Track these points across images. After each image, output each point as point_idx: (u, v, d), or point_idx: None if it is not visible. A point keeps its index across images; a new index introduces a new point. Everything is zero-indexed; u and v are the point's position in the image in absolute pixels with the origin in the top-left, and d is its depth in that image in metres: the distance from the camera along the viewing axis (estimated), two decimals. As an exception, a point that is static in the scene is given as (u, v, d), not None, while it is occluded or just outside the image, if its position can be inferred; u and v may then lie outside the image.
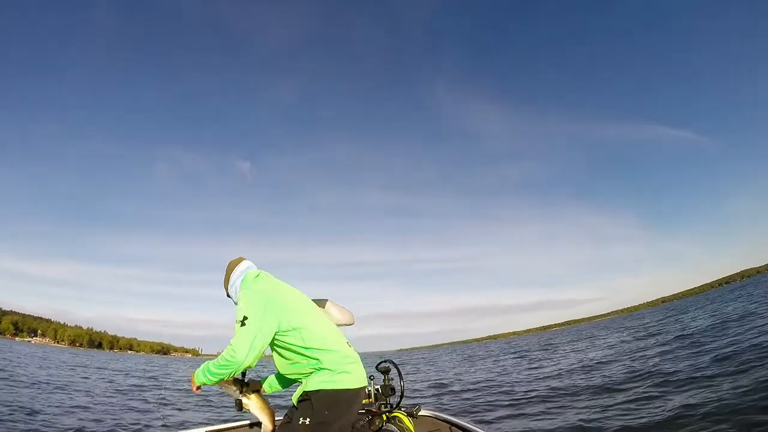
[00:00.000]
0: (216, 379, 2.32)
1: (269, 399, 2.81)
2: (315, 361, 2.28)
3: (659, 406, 6.04)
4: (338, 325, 3.05)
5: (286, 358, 2.38)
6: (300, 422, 2.23)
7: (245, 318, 2.17)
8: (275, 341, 2.34)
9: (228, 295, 2.58)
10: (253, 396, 2.64)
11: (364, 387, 2.43)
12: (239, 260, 2.61)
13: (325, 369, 2.26)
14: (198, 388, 2.45)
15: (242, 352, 2.12)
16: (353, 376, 2.32)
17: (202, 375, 2.33)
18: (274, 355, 2.46)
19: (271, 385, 2.80)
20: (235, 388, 2.61)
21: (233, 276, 2.52)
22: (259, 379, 2.86)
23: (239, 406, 2.68)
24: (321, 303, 3.07)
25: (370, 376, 3.32)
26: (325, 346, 2.30)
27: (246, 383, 2.68)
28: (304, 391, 2.30)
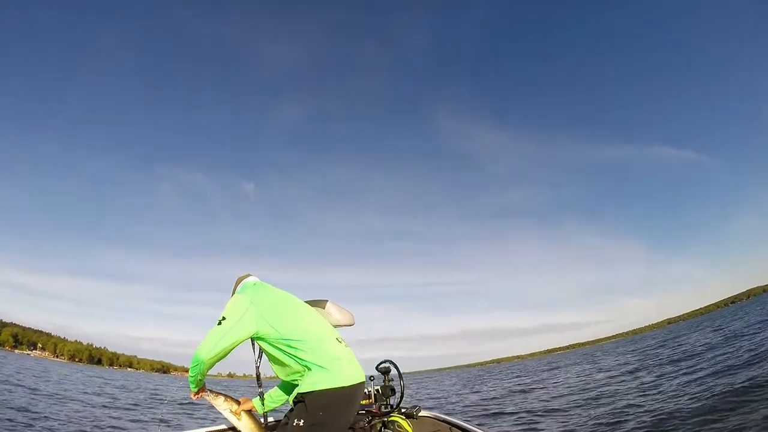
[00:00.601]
0: (197, 379, 2.40)
1: (273, 413, 2.79)
2: (306, 362, 2.28)
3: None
4: (338, 326, 3.07)
5: (279, 363, 2.40)
6: (294, 424, 2.23)
7: (223, 318, 2.26)
8: (265, 347, 2.38)
9: None
10: (244, 414, 2.62)
11: (362, 383, 2.41)
12: (246, 276, 2.67)
13: (317, 369, 2.26)
14: (196, 393, 2.50)
15: (205, 349, 2.22)
16: (347, 374, 2.31)
17: (190, 380, 2.44)
18: (269, 361, 2.48)
19: (273, 398, 2.75)
20: (225, 406, 2.60)
21: (238, 289, 2.58)
22: (256, 396, 2.82)
23: (230, 423, 2.68)
24: (321, 303, 3.09)
25: (370, 377, 3.31)
26: (315, 347, 2.30)
27: (237, 401, 2.66)
28: (298, 393, 2.30)
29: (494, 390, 17.46)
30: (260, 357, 2.53)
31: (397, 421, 3.02)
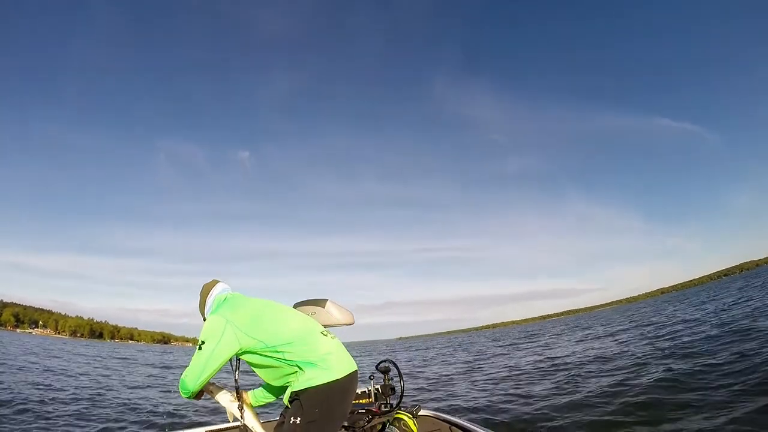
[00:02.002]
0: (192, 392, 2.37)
1: (258, 410, 2.77)
2: (296, 363, 2.26)
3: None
4: (338, 325, 3.06)
5: (269, 370, 2.37)
6: (291, 422, 2.22)
7: (202, 343, 2.22)
8: (252, 359, 2.35)
9: (204, 319, 2.52)
10: (246, 407, 2.63)
11: (354, 372, 2.39)
12: (213, 284, 2.59)
13: (308, 367, 2.25)
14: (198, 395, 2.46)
15: (191, 377, 2.24)
16: (336, 366, 2.29)
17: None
18: (255, 369, 2.45)
19: (257, 397, 2.74)
20: (231, 399, 2.59)
21: (208, 301, 2.52)
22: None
23: (232, 417, 2.68)
24: (321, 303, 3.07)
25: (370, 376, 3.33)
26: (302, 346, 2.28)
27: (237, 394, 2.64)
28: (292, 392, 2.29)
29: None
30: (237, 369, 2.50)
31: (403, 419, 3.04)
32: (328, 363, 2.28)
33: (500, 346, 24.98)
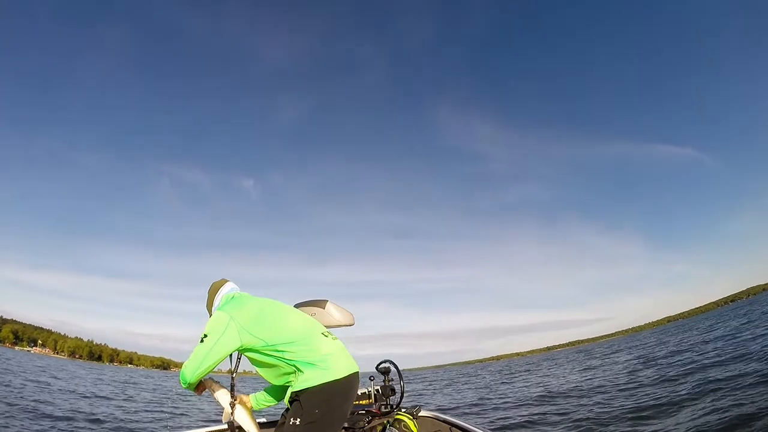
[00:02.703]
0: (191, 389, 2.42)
1: (261, 413, 2.83)
2: (296, 363, 2.28)
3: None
4: (339, 326, 3.07)
5: (270, 369, 2.40)
6: (291, 423, 2.23)
7: (204, 336, 2.26)
8: (254, 357, 2.37)
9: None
10: (240, 406, 2.62)
11: (355, 373, 2.40)
12: (222, 282, 2.64)
13: (308, 368, 2.26)
14: (198, 391, 2.49)
15: (190, 368, 2.27)
16: (337, 367, 2.30)
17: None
18: (257, 369, 2.48)
19: (259, 400, 2.75)
20: (228, 398, 2.58)
21: (216, 300, 2.56)
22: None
23: (227, 416, 2.67)
24: (321, 303, 3.10)
25: (370, 377, 3.32)
26: (303, 346, 2.30)
27: (234, 395, 2.64)
28: (292, 392, 2.30)
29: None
30: (236, 368, 2.51)
31: (403, 420, 3.02)
32: (328, 364, 2.29)
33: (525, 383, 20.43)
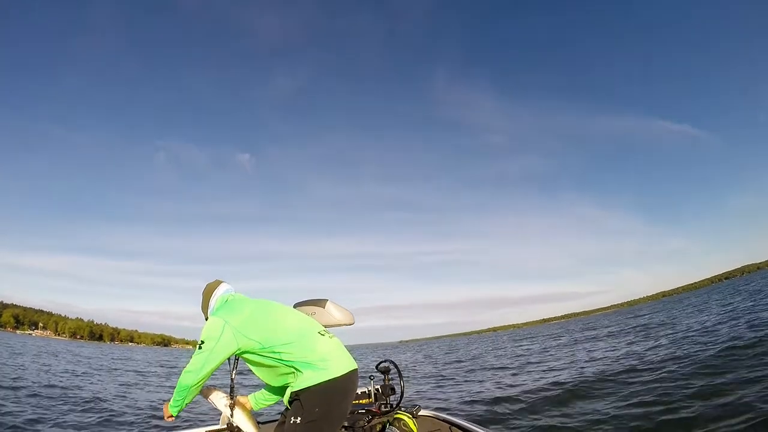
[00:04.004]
0: (182, 405, 2.40)
1: (260, 412, 2.81)
2: (294, 363, 2.28)
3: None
4: (338, 326, 3.06)
5: (268, 370, 2.40)
6: (291, 422, 2.24)
7: (202, 343, 2.28)
8: (251, 359, 2.37)
9: (207, 319, 2.55)
10: (238, 408, 2.62)
11: (354, 370, 2.40)
12: (216, 284, 2.63)
13: (307, 367, 2.26)
14: (170, 416, 2.47)
15: (190, 375, 2.29)
16: (335, 366, 2.31)
17: (173, 405, 2.41)
18: (255, 370, 2.48)
19: (258, 400, 2.76)
20: (225, 401, 2.60)
21: (212, 302, 2.55)
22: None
23: (224, 419, 2.67)
24: (321, 303, 3.07)
25: (370, 376, 3.33)
26: (300, 346, 2.30)
27: (232, 396, 2.65)
28: (292, 392, 2.31)
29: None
30: (235, 369, 2.54)
31: (403, 419, 3.04)
32: (327, 363, 2.29)
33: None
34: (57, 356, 26.93)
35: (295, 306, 3.19)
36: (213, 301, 2.55)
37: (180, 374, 2.34)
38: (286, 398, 2.39)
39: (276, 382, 2.47)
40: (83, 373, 17.06)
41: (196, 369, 2.26)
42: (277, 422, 2.73)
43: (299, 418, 2.22)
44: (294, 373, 2.31)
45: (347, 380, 2.34)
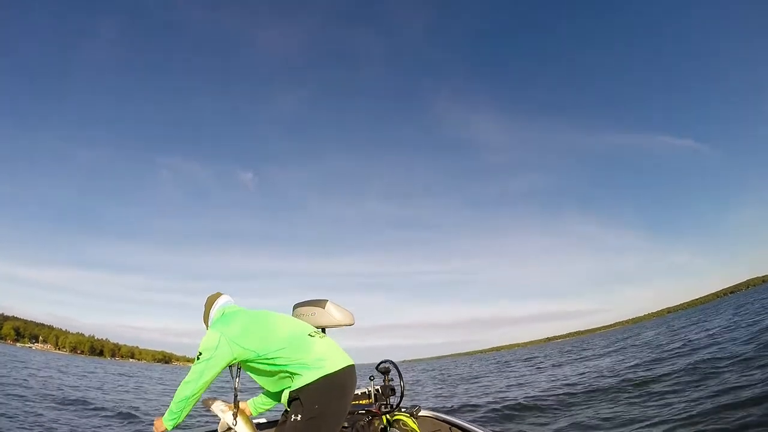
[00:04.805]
0: (180, 417, 2.42)
1: (261, 414, 2.85)
2: (289, 368, 2.35)
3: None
4: (338, 326, 3.08)
5: (266, 377, 2.50)
6: (292, 420, 2.30)
7: (200, 354, 2.35)
8: (250, 367, 2.47)
9: (207, 329, 2.62)
10: (239, 415, 2.63)
11: (351, 366, 2.46)
12: (217, 296, 2.71)
13: (303, 369, 2.33)
14: (164, 430, 2.49)
15: (189, 385, 2.35)
16: (331, 362, 2.37)
17: (168, 419, 2.42)
18: (254, 377, 2.57)
19: (257, 405, 2.82)
20: (225, 408, 2.63)
21: (212, 313, 2.63)
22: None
23: (224, 426, 2.68)
24: (321, 303, 3.10)
25: (370, 377, 3.33)
26: (294, 351, 2.37)
27: (232, 404, 2.65)
28: (291, 392, 2.37)
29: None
30: (237, 376, 2.56)
31: (403, 420, 3.04)
32: (322, 362, 2.36)
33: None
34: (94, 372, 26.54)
35: (295, 306, 3.22)
36: (213, 312, 2.63)
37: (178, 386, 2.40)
38: (284, 399, 2.44)
39: (275, 387, 2.54)
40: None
41: (194, 379, 2.33)
42: (277, 423, 2.74)
43: (300, 416, 2.27)
44: (291, 376, 2.37)
45: (345, 375, 2.40)
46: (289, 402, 2.39)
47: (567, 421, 6.92)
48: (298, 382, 2.32)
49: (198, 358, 2.35)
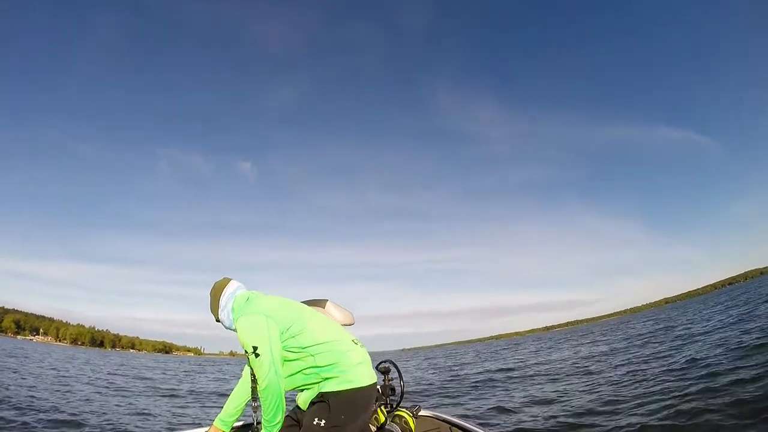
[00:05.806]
0: (280, 415, 2.23)
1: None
2: (326, 367, 2.23)
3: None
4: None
5: (296, 371, 2.30)
6: (315, 422, 2.16)
7: (255, 348, 2.15)
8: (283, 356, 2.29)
9: (217, 320, 2.47)
10: None
11: (376, 383, 2.38)
12: (225, 282, 2.53)
13: (339, 372, 2.22)
14: None
15: (273, 381, 2.15)
16: (365, 375, 2.28)
17: (272, 425, 2.23)
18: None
19: (225, 421, 2.64)
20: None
21: (222, 300, 2.44)
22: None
23: None
24: (321, 303, 3.07)
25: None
26: (335, 352, 2.26)
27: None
28: (320, 393, 2.24)
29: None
30: (255, 390, 2.44)
31: (403, 416, 3.04)
32: (359, 371, 2.27)
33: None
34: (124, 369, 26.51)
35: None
36: (224, 299, 2.44)
37: (262, 393, 2.19)
38: (305, 399, 2.33)
39: (292, 383, 2.34)
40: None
41: (272, 373, 2.14)
42: (251, 425, 2.65)
43: (323, 421, 2.15)
44: (322, 376, 2.24)
45: (372, 391, 2.32)
46: (313, 402, 2.27)
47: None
48: (330, 386, 2.20)
49: (257, 355, 2.14)
